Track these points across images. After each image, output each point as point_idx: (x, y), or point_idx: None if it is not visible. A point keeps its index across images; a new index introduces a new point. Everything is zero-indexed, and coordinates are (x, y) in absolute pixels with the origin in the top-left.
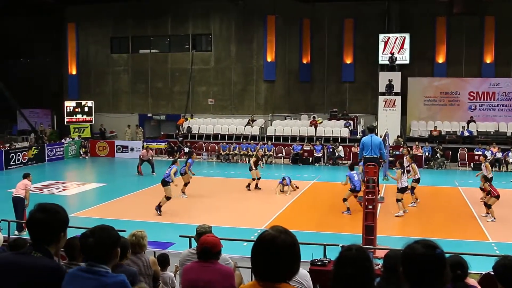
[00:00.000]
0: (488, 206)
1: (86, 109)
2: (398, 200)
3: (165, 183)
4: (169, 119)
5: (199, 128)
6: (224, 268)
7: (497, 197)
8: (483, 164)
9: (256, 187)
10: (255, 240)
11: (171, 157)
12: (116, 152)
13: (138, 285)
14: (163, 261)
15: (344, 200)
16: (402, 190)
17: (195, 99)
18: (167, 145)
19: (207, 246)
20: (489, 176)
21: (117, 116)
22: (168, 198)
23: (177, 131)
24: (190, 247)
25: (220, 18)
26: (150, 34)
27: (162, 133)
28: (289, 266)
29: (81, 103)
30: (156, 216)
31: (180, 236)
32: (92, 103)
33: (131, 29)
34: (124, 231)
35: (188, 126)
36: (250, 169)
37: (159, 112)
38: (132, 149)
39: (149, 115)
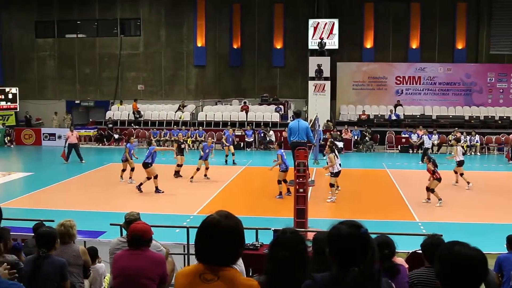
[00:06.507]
0: (431, 190)
1: (10, 96)
2: (331, 185)
3: (145, 165)
4: (98, 105)
5: (128, 114)
6: (155, 255)
7: (439, 179)
8: (456, 147)
9: (176, 174)
10: (199, 224)
11: (100, 144)
12: (43, 140)
13: None
14: (93, 254)
15: (279, 182)
16: (335, 174)
17: (125, 85)
18: (96, 132)
19: (137, 234)
20: (458, 159)
21: (43, 103)
22: (148, 178)
23: (135, 116)
24: (121, 235)
25: (149, 2)
26: (76, 18)
27: (90, 119)
28: (232, 250)
29: (4, 89)
30: (84, 205)
31: (111, 224)
32: (16, 89)
33: (57, 12)
34: (52, 221)
35: (139, 110)
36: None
37: (87, 99)
38: (59, 137)
39: (77, 101)
